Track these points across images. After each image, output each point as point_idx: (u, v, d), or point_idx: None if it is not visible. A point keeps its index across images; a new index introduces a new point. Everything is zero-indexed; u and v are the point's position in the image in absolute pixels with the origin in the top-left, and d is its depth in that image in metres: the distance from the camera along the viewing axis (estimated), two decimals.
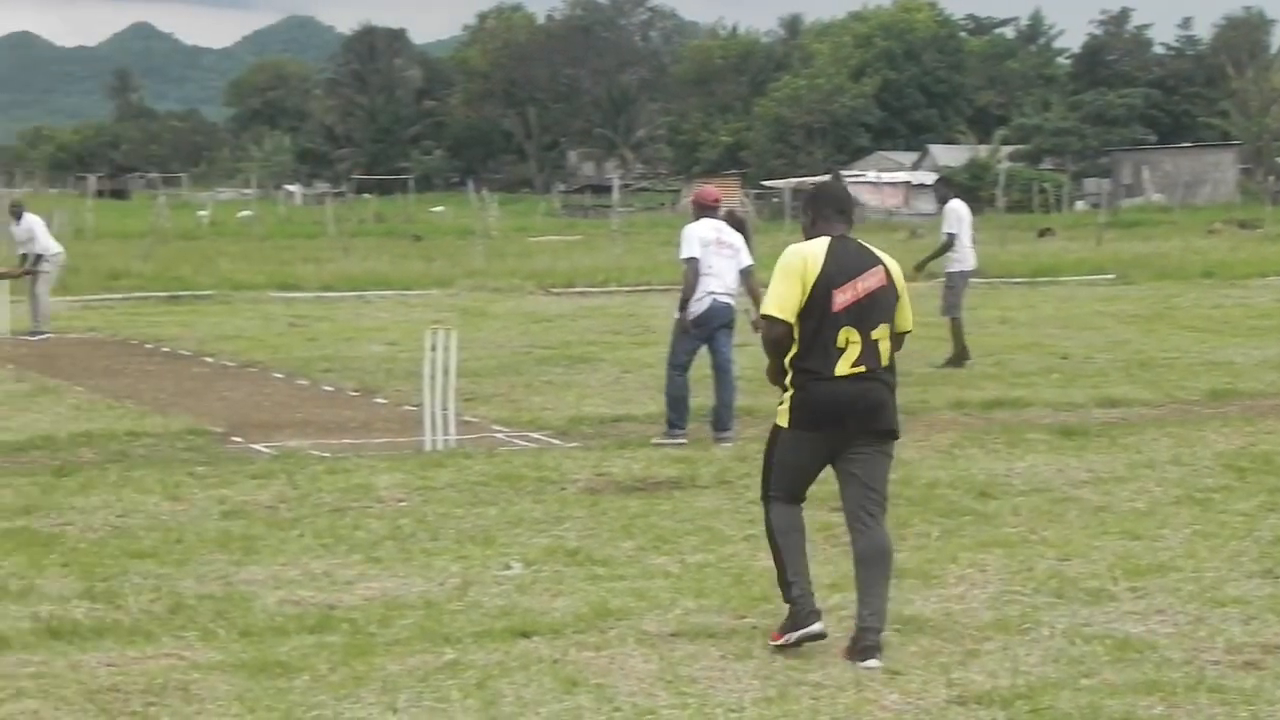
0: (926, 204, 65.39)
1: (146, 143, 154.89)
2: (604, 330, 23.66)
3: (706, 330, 13.32)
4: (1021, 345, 20.94)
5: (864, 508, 7.16)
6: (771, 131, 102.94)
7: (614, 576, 8.57)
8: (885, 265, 7.18)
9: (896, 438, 7.28)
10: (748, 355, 19.37)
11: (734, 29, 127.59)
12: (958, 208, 19.13)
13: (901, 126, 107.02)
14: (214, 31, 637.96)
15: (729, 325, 13.47)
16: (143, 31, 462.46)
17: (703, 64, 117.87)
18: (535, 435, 14.00)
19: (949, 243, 18.81)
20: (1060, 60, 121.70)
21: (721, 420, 13.42)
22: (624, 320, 25.30)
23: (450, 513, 10.34)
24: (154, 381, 17.91)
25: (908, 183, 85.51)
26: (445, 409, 13.47)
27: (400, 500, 10.79)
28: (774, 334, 7.10)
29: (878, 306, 7.11)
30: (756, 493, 10.67)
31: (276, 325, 24.94)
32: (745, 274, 13.48)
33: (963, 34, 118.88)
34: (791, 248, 7.21)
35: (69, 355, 20.74)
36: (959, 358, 18.57)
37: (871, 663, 6.96)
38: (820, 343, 7.02)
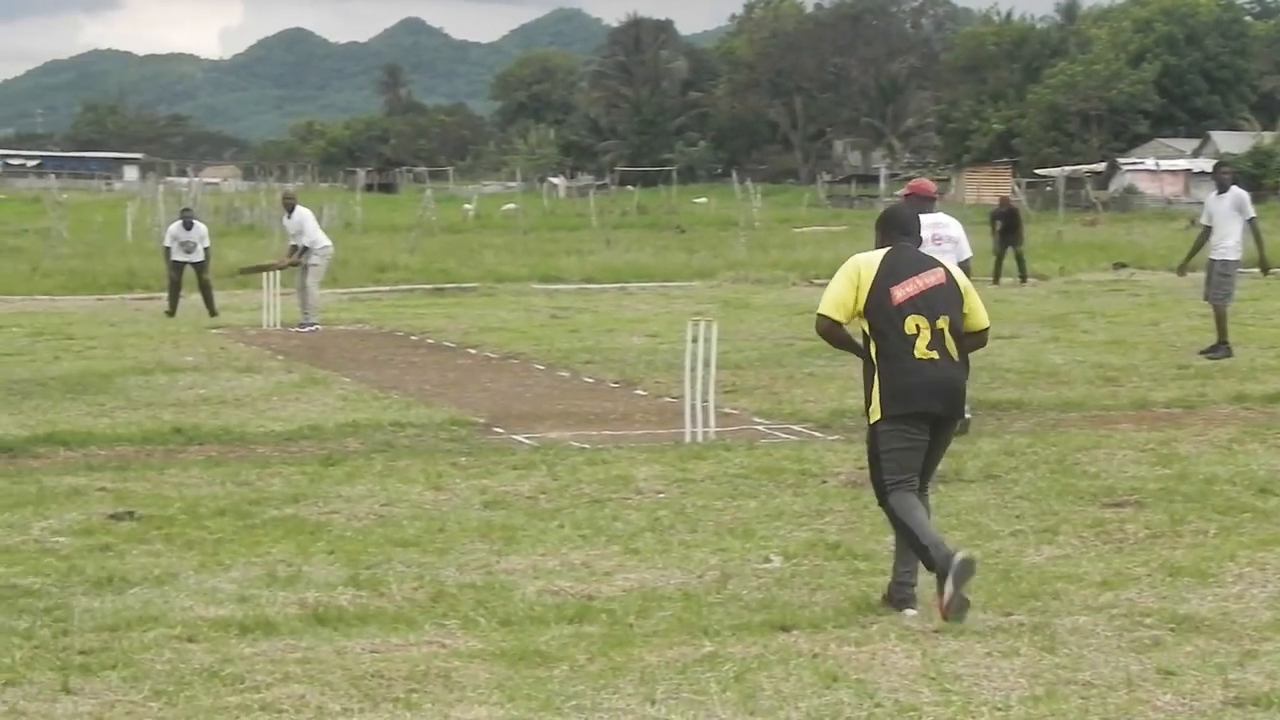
0: (1207, 192, 63.68)
1: (415, 137, 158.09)
2: None
3: None
4: None
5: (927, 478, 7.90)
6: (1045, 119, 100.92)
7: (876, 571, 8.41)
8: (945, 268, 7.87)
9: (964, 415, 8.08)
10: (1018, 347, 19.06)
11: (1008, 15, 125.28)
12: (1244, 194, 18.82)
13: (1181, 113, 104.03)
14: (482, 25, 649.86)
15: None
16: (413, 27, 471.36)
17: (975, 51, 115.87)
18: (796, 428, 13.88)
19: (1258, 225, 18.49)
20: None
21: None
22: None
23: (709, 505, 10.28)
24: (418, 373, 18.20)
25: (1188, 170, 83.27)
26: (705, 401, 13.43)
27: (659, 492, 10.75)
28: (820, 326, 7.84)
29: (939, 300, 7.68)
30: (1024, 488, 10.54)
31: (539, 317, 25.20)
32: (964, 266, 13.14)
33: (1247, 18, 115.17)
34: (853, 257, 7.93)
35: (337, 347, 21.20)
36: (1223, 347, 18.05)
37: (909, 612, 7.60)
38: (893, 331, 7.60)
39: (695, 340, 13.53)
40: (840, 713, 6.22)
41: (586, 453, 12.30)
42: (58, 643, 7.20)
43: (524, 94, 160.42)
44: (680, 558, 8.81)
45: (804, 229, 56.44)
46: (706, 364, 13.48)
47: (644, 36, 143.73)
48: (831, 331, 7.80)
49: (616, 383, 17.11)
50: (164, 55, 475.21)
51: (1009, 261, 30.94)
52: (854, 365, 17.75)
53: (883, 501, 7.77)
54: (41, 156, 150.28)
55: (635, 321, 24.14)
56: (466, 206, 74.16)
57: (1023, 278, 30.98)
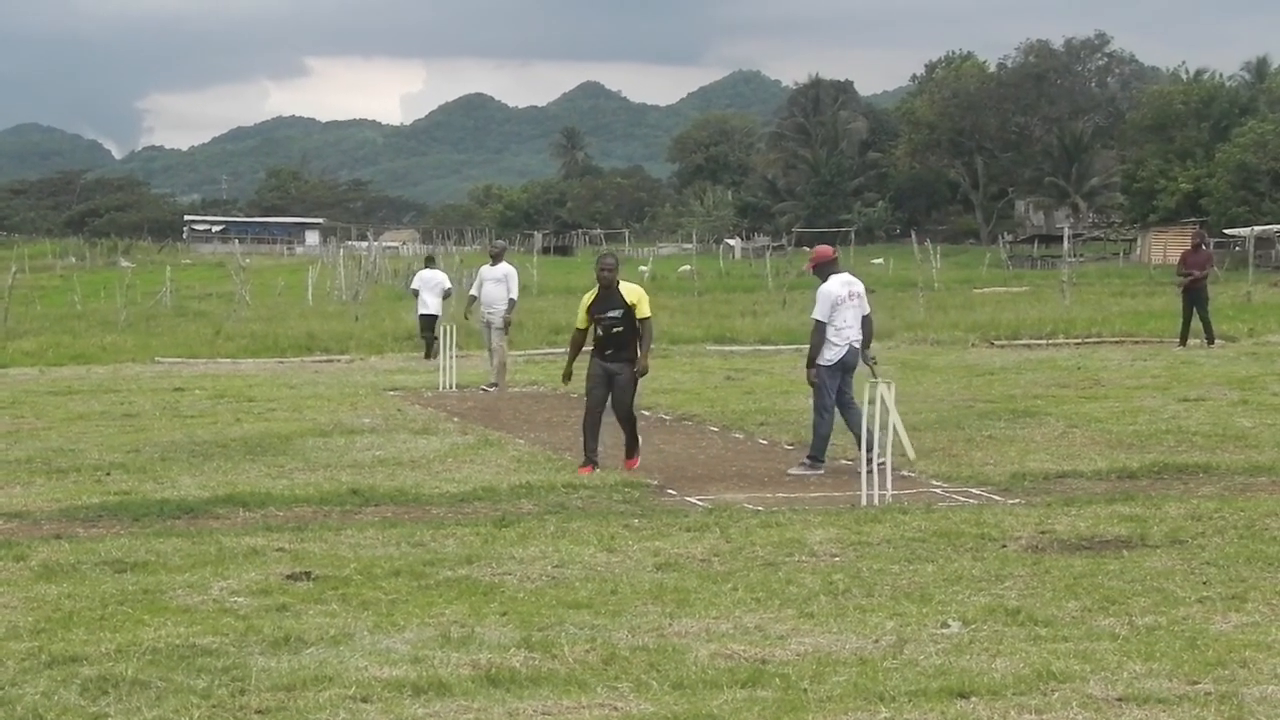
0: None
1: (591, 200, 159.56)
2: (1050, 383, 23.04)
3: (840, 371, 15.20)
4: None
5: (619, 402, 15.01)
6: (1234, 178, 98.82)
7: (1057, 638, 8.22)
8: (626, 300, 15.05)
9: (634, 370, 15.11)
10: (1205, 410, 18.62)
11: (1196, 74, 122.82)
12: None
13: None
14: (661, 88, 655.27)
15: (854, 368, 15.33)
16: (592, 90, 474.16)
17: (1162, 110, 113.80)
18: (976, 491, 13.68)
19: None
20: None
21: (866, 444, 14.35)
22: (1071, 373, 24.61)
23: (886, 569, 10.13)
24: None
25: None
26: (882, 463, 13.28)
27: (834, 555, 10.63)
28: (575, 337, 15.43)
29: (618, 323, 15.08)
30: (1211, 554, 10.27)
31: (713, 379, 25.16)
32: (865, 320, 15.41)
33: None
34: (585, 295, 15.46)
35: (511, 409, 21.35)
36: None
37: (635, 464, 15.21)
38: (598, 335, 15.05)
39: (872, 402, 13.40)
40: None
41: (760, 515, 12.22)
42: (235, 702, 7.24)
43: (701, 156, 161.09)
44: (856, 622, 8.67)
45: (984, 289, 55.89)
46: (883, 426, 13.34)
47: (824, 97, 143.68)
48: (581, 336, 15.26)
49: (791, 445, 16.99)
50: (346, 122, 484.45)
51: (1196, 323, 30.33)
52: (1033, 428, 17.66)
53: (588, 412, 15.07)
54: (226, 222, 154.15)
55: (809, 384, 23.93)
56: (642, 269, 74.56)
57: (1209, 340, 30.32)
